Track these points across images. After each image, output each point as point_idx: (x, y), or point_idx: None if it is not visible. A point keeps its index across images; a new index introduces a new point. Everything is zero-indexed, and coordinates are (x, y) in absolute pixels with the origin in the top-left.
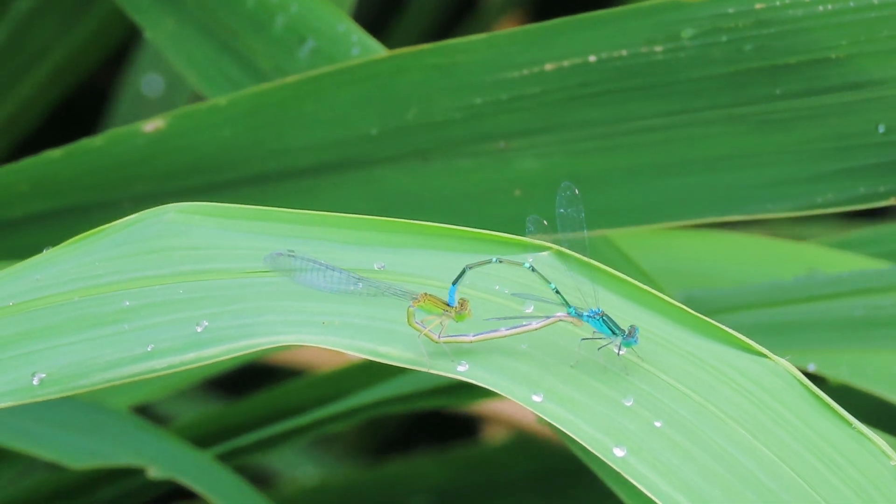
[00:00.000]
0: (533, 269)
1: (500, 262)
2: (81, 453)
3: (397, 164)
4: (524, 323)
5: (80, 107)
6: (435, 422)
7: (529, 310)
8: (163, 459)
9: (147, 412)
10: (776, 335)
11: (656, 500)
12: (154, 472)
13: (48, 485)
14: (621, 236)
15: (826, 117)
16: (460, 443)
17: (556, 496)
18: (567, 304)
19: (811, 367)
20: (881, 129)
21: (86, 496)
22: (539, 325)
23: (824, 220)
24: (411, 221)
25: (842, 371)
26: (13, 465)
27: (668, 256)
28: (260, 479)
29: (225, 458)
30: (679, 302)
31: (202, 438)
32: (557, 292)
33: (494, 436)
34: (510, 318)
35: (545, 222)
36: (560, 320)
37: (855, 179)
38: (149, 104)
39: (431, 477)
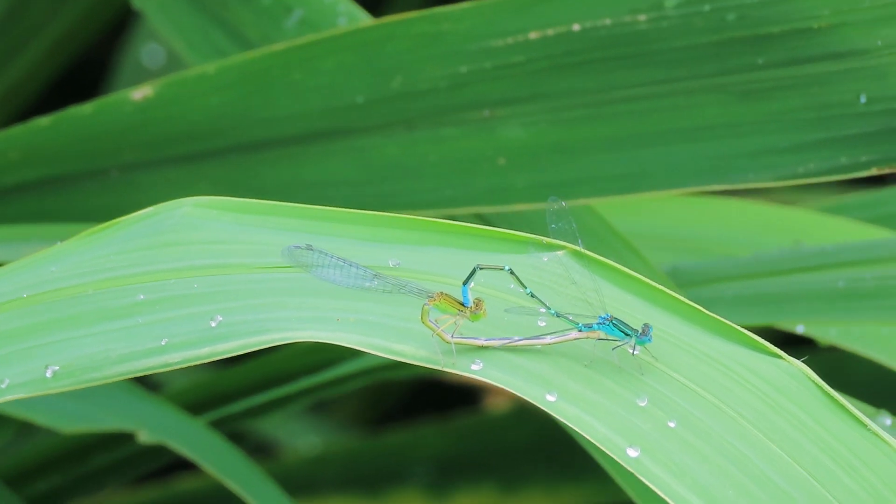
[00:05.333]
0: (511, 272)
1: (511, 272)
2: (73, 418)
3: (383, 132)
4: (538, 336)
5: (81, 79)
6: (436, 391)
7: (542, 324)
8: (153, 425)
9: (140, 379)
10: (759, 306)
11: (669, 501)
12: (144, 437)
13: (43, 452)
14: (606, 202)
15: (808, 87)
16: (462, 412)
17: (557, 465)
18: (573, 322)
19: (800, 329)
20: (863, 99)
21: (81, 463)
22: (552, 340)
23: (815, 189)
24: (427, 219)
25: (830, 335)
26: (6, 430)
27: (653, 221)
28: (261, 450)
29: (219, 424)
30: (664, 273)
31: (196, 405)
32: (533, 296)
33: (496, 405)
34: (525, 337)
35: (563, 203)
36: (575, 339)
37: (837, 149)
38: (149, 75)
39: (433, 446)
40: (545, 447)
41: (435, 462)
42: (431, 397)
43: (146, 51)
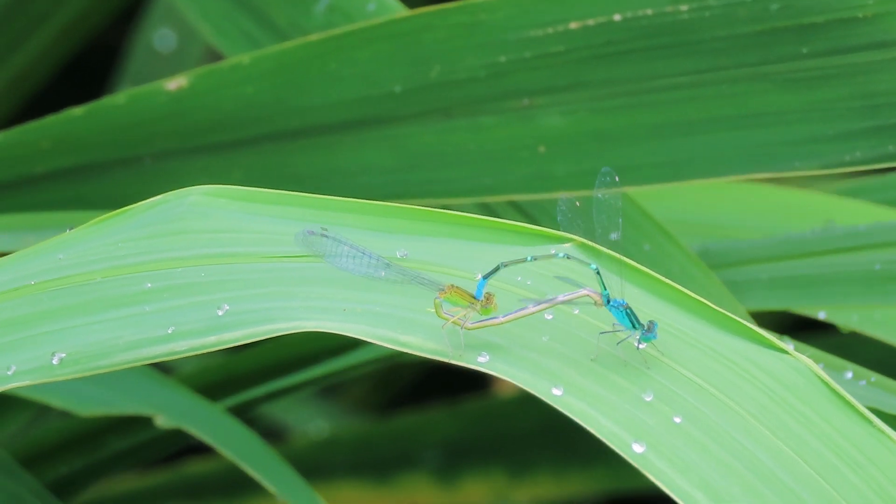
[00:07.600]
0: (568, 258)
1: (535, 259)
2: (90, 401)
3: (421, 121)
4: (550, 298)
5: (93, 63)
6: (446, 375)
7: (549, 317)
8: (171, 409)
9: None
10: (792, 289)
11: (675, 497)
12: (161, 421)
13: (59, 434)
14: (640, 190)
15: (854, 76)
16: (471, 396)
17: (566, 451)
18: (603, 287)
19: (821, 315)
20: None
21: (97, 447)
22: (566, 297)
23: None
24: (435, 210)
25: (853, 321)
26: (23, 413)
27: (682, 207)
28: (271, 434)
29: (235, 410)
30: (694, 254)
31: (208, 388)
32: (598, 273)
33: (505, 389)
34: (536, 300)
35: (577, 203)
36: (587, 294)
37: (885, 137)
38: (161, 60)
39: (442, 430)
40: (554, 432)
41: (444, 447)
42: (440, 381)
43: (158, 35)
